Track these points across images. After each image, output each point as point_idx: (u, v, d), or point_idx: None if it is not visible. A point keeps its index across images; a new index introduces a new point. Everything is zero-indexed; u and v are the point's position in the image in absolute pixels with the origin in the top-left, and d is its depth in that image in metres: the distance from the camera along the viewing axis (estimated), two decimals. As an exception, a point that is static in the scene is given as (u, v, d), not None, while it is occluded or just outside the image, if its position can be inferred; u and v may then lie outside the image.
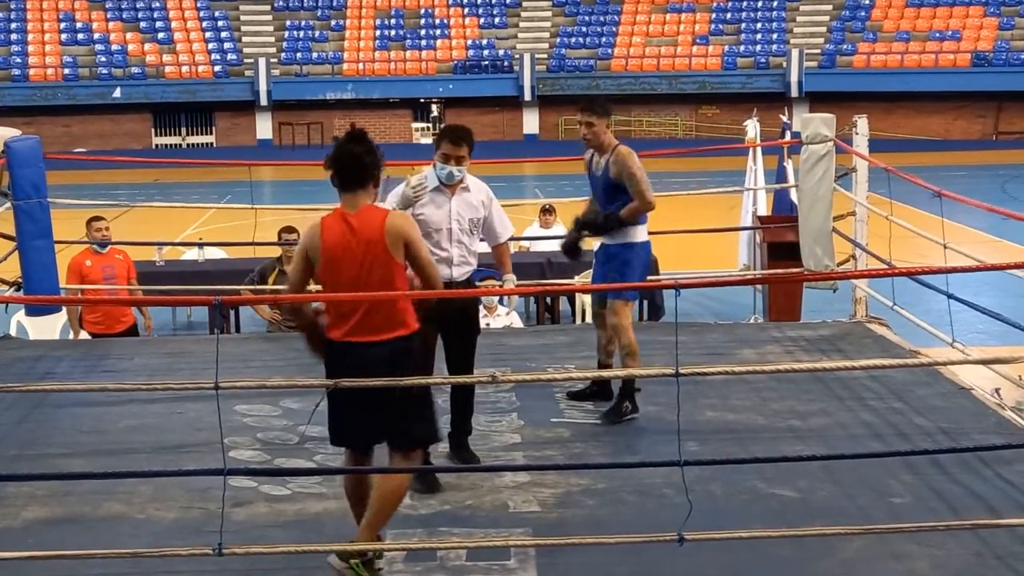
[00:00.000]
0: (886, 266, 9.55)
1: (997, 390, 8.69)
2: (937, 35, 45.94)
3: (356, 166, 5.22)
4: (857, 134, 10.16)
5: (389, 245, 5.15)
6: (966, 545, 5.46)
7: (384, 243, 5.14)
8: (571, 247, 7.87)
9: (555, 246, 14.64)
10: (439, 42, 47.09)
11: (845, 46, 46.11)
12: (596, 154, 7.62)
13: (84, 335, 10.81)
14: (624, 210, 7.47)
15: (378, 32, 47.44)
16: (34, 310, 10.65)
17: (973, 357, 8.91)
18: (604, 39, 47.26)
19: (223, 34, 47.08)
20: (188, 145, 45.98)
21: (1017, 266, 6.96)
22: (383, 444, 5.39)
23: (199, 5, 47.81)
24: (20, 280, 9.38)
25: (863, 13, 47.33)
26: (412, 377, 5.21)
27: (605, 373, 7.65)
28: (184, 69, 45.49)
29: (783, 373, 8.22)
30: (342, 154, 5.22)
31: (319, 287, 5.55)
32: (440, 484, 6.29)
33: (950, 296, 8.02)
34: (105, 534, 5.70)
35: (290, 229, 11.63)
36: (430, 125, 45.81)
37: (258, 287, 11.13)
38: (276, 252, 11.66)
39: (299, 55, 46.51)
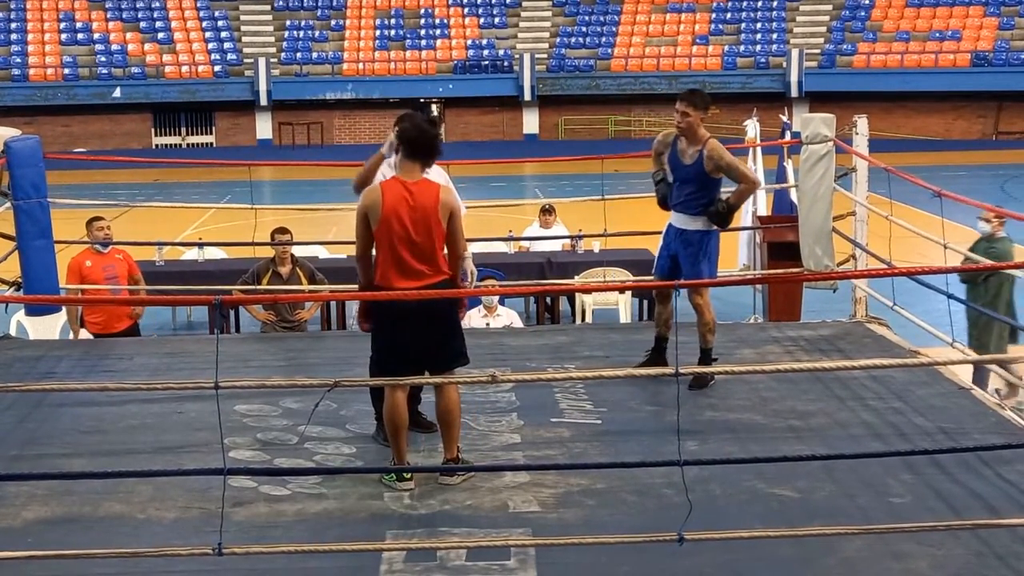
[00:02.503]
0: (886, 266, 9.54)
1: (997, 390, 8.70)
2: (937, 35, 45.94)
3: (429, 144, 6.27)
4: (857, 134, 10.15)
5: (440, 212, 6.18)
6: (966, 545, 5.46)
7: (437, 210, 6.17)
8: (720, 220, 8.11)
9: (555, 246, 14.69)
10: (439, 42, 47.08)
11: (845, 46, 46.10)
12: (685, 143, 8.05)
13: (84, 334, 10.81)
14: (734, 196, 8.07)
15: (378, 32, 47.43)
16: (34, 310, 10.66)
17: (972, 357, 8.93)
18: (604, 39, 47.25)
19: (223, 34, 47.07)
20: (188, 145, 45.97)
21: (1016, 266, 7.00)
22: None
23: (199, 5, 47.80)
24: (20, 280, 9.38)
25: (863, 13, 47.33)
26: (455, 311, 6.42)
27: (606, 373, 7.65)
28: (184, 69, 45.47)
29: (783, 373, 8.21)
30: (422, 131, 6.28)
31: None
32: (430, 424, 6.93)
33: (950, 296, 8.03)
34: (105, 534, 5.70)
35: (283, 230, 11.60)
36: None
37: (252, 288, 11.11)
38: (272, 253, 11.63)
39: (299, 55, 46.51)
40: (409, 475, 6.23)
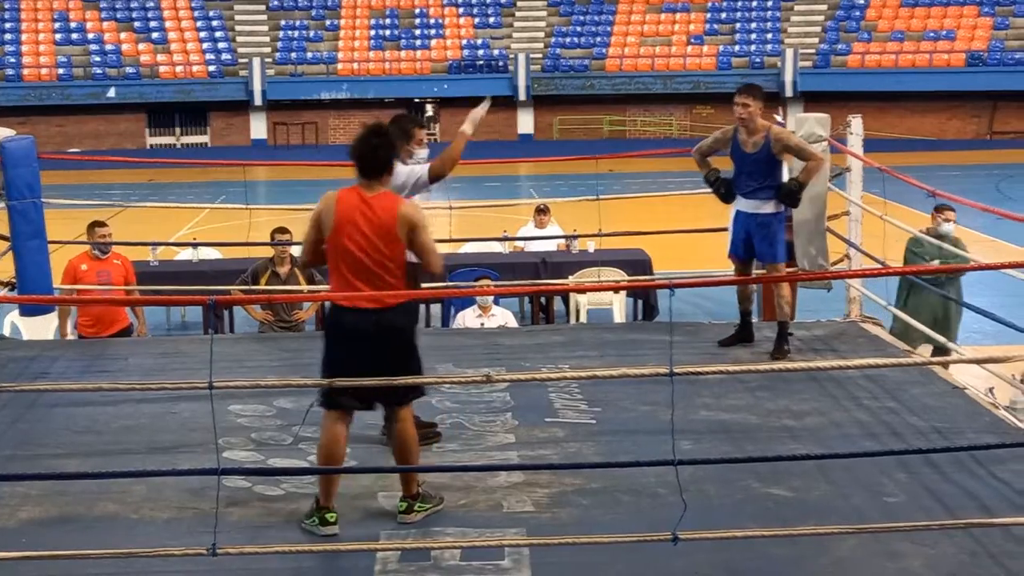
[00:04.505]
0: (880, 266, 9.56)
1: (991, 389, 8.71)
2: (931, 35, 45.98)
3: (373, 157, 5.77)
4: (851, 134, 10.16)
5: (398, 228, 5.69)
6: (960, 544, 5.47)
7: (394, 225, 5.69)
8: (792, 198, 8.75)
9: (550, 246, 14.69)
10: (434, 42, 47.08)
11: (840, 46, 46.14)
12: (745, 135, 8.62)
13: (72, 338, 10.79)
14: (803, 174, 8.61)
15: (373, 32, 47.42)
16: (28, 310, 10.63)
17: (967, 356, 8.94)
18: (599, 39, 47.27)
19: (217, 34, 47.03)
20: (182, 145, 45.94)
21: (1011, 266, 6.98)
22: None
23: (193, 5, 47.78)
24: (14, 280, 9.37)
25: (857, 13, 47.37)
26: (410, 343, 5.83)
27: (600, 372, 7.63)
28: (178, 69, 45.44)
29: (777, 373, 8.23)
30: (362, 146, 5.79)
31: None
32: (434, 433, 6.94)
33: (944, 296, 8.05)
34: (99, 534, 5.70)
35: (283, 230, 11.62)
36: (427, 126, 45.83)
37: (250, 288, 11.11)
38: (269, 253, 11.64)
39: (294, 55, 46.49)
40: (334, 519, 5.71)
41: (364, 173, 5.77)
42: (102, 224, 11.02)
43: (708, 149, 8.99)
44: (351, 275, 5.71)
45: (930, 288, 10.15)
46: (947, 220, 10.79)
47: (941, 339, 9.21)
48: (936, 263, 10.39)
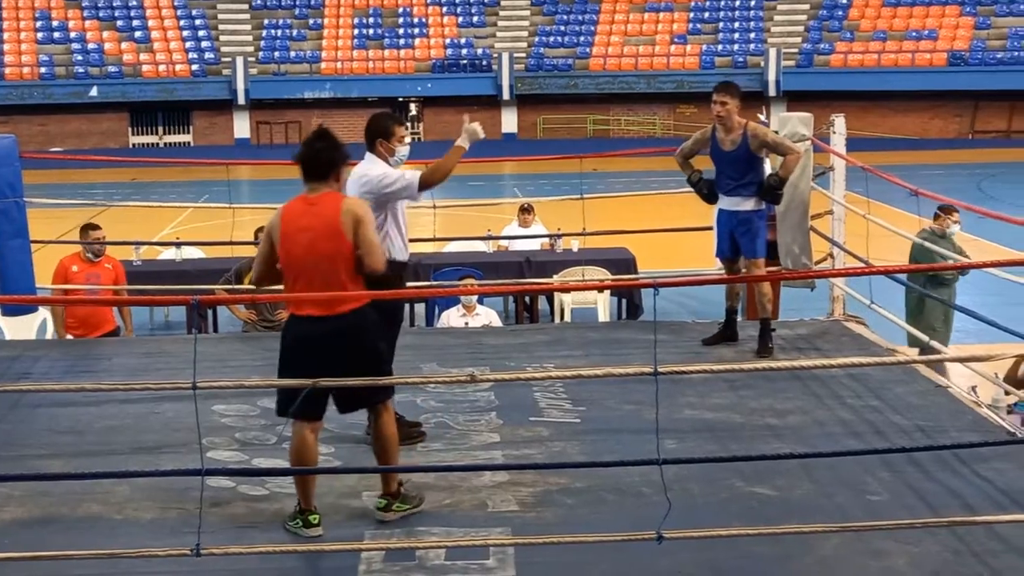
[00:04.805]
0: (863, 264, 9.58)
1: (974, 388, 8.74)
2: (914, 34, 46.13)
3: (315, 161, 5.71)
4: (834, 133, 10.19)
5: (342, 223, 5.57)
6: (943, 542, 5.49)
7: (338, 221, 5.57)
8: (772, 194, 8.81)
9: (534, 245, 14.69)
10: (417, 41, 47.03)
11: (822, 45, 46.25)
12: (723, 133, 8.68)
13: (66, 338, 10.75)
14: (783, 169, 8.64)
15: (356, 31, 47.36)
16: (10, 310, 10.59)
17: (950, 355, 8.97)
18: (582, 38, 47.29)
19: (200, 33, 46.91)
20: (165, 144, 45.80)
21: (993, 265, 7.02)
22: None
23: (176, 3, 47.63)
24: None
25: (840, 12, 47.49)
26: (368, 348, 5.69)
27: (585, 372, 7.63)
28: (161, 68, 45.31)
29: (761, 372, 8.24)
30: (305, 150, 5.75)
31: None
32: (419, 432, 7.00)
33: (927, 295, 8.07)
34: (83, 535, 5.68)
35: (265, 229, 11.56)
36: (409, 124, 45.70)
37: (234, 287, 11.07)
38: (253, 252, 11.59)
39: (277, 54, 46.39)
40: (317, 521, 5.68)
41: (308, 177, 5.70)
42: (96, 227, 10.96)
43: (689, 151, 9.04)
44: (303, 282, 5.62)
45: (936, 297, 10.12)
46: (956, 222, 10.84)
47: (938, 344, 9.24)
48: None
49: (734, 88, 8.82)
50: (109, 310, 10.77)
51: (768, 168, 9.05)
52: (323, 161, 5.70)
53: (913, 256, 10.82)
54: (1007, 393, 8.79)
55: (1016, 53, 44.77)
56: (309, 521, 5.66)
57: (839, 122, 10.19)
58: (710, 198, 8.95)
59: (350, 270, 5.62)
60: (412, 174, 6.70)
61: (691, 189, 9.14)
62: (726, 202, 8.84)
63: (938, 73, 44.55)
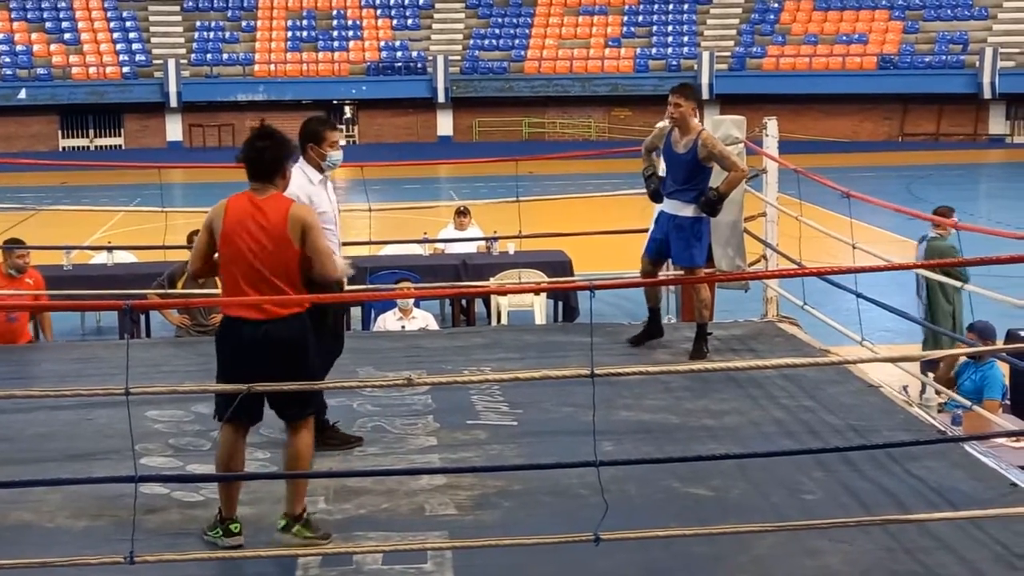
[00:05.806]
0: (796, 266, 9.67)
1: (905, 387, 8.86)
2: (844, 38, 46.71)
3: (259, 160, 5.61)
4: (767, 136, 10.26)
5: (289, 230, 5.49)
6: (876, 540, 5.55)
7: (285, 227, 5.48)
8: (711, 207, 8.72)
9: (470, 248, 14.68)
10: (352, 43, 46.88)
11: (754, 49, 46.71)
12: (678, 134, 8.66)
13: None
14: (724, 184, 8.60)
15: (290, 33, 47.11)
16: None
17: (881, 355, 9.07)
18: (517, 41, 47.39)
19: (131, 35, 46.43)
20: (96, 147, 45.27)
21: (922, 266, 7.13)
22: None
23: (106, 5, 47.11)
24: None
25: (772, 16, 48.00)
26: (302, 353, 5.57)
27: (521, 374, 7.66)
28: (91, 70, 44.79)
29: (696, 373, 8.29)
30: (248, 149, 5.64)
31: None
32: (353, 437, 6.86)
33: (859, 295, 8.14)
34: (14, 544, 5.59)
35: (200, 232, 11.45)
36: (343, 127, 45.54)
37: (167, 291, 10.96)
38: (186, 256, 11.47)
39: (209, 56, 46.03)
40: (238, 529, 5.57)
41: (253, 176, 5.61)
42: (20, 243, 10.77)
43: (651, 144, 9.05)
44: (244, 283, 5.50)
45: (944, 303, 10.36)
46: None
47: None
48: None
49: (689, 90, 8.83)
50: (25, 325, 10.60)
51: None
52: (267, 161, 5.59)
53: (938, 256, 10.83)
54: (937, 392, 8.93)
55: (944, 57, 45.51)
56: (230, 530, 5.56)
57: (771, 125, 10.27)
58: (655, 197, 8.95)
59: (292, 277, 5.54)
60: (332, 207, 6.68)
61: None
62: (667, 204, 8.85)
63: (868, 76, 45.18)
